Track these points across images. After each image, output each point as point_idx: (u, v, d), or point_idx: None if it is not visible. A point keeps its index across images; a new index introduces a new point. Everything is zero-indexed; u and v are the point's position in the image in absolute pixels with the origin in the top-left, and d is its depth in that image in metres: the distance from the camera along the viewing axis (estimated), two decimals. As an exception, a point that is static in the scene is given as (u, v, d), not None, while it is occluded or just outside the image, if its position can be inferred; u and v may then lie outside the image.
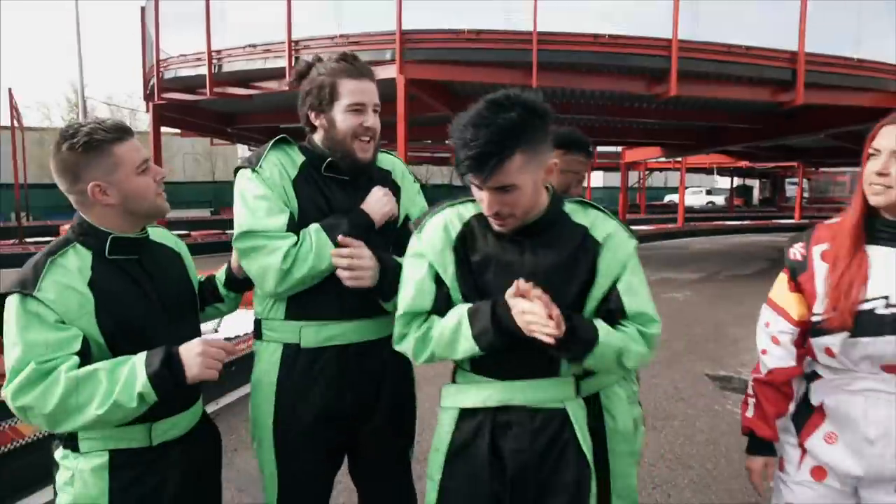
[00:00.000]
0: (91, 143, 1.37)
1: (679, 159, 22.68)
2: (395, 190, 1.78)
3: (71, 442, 1.44)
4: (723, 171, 31.59)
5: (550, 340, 1.21)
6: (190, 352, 1.34)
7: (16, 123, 14.13)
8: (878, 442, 1.40)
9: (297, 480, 1.69)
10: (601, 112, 11.61)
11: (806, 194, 39.08)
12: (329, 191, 1.67)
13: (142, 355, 1.33)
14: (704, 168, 28.04)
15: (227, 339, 4.59)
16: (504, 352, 1.34)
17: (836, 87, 9.35)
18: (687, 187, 34.79)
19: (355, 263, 1.56)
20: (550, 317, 1.20)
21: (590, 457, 1.46)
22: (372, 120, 1.67)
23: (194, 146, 27.63)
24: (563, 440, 1.40)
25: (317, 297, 1.63)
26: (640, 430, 1.86)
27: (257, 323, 1.72)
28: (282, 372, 1.65)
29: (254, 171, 1.63)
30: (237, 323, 4.83)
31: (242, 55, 9.49)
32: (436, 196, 1.63)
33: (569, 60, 8.51)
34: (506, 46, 8.33)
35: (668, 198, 36.11)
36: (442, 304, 1.42)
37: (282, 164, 1.65)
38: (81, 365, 1.31)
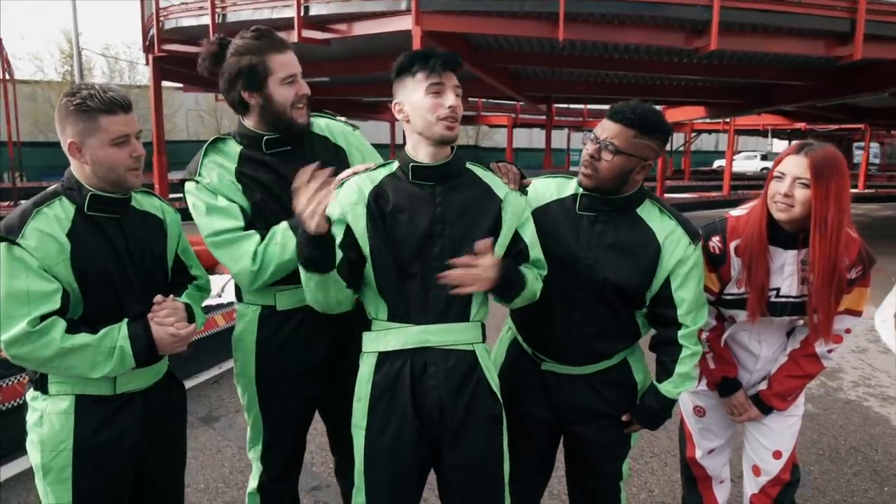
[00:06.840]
0: (82, 106, 1.57)
1: (727, 120, 22.30)
2: (337, 151, 2.02)
3: (41, 384, 1.66)
4: (780, 134, 30.70)
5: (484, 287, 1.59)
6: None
7: (6, 76, 13.94)
8: (761, 358, 2.07)
9: (277, 421, 2.03)
10: (636, 68, 11.46)
11: (878, 160, 37.83)
12: (274, 167, 1.89)
13: (126, 339, 1.63)
14: (759, 130, 27.30)
15: (229, 304, 4.85)
16: (422, 297, 1.65)
17: (901, 39, 9.04)
18: (739, 152, 33.88)
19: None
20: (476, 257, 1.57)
21: (499, 395, 1.74)
22: (305, 87, 1.90)
23: (198, 102, 27.65)
24: (475, 379, 1.68)
25: None
26: None
27: (237, 287, 2.00)
28: (260, 330, 1.96)
29: (196, 181, 1.86)
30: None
31: (248, 4, 9.59)
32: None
33: (599, 11, 8.42)
34: (530, -6, 8.27)
35: (717, 163, 35.46)
36: (344, 268, 1.62)
37: (219, 164, 1.88)
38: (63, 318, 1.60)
